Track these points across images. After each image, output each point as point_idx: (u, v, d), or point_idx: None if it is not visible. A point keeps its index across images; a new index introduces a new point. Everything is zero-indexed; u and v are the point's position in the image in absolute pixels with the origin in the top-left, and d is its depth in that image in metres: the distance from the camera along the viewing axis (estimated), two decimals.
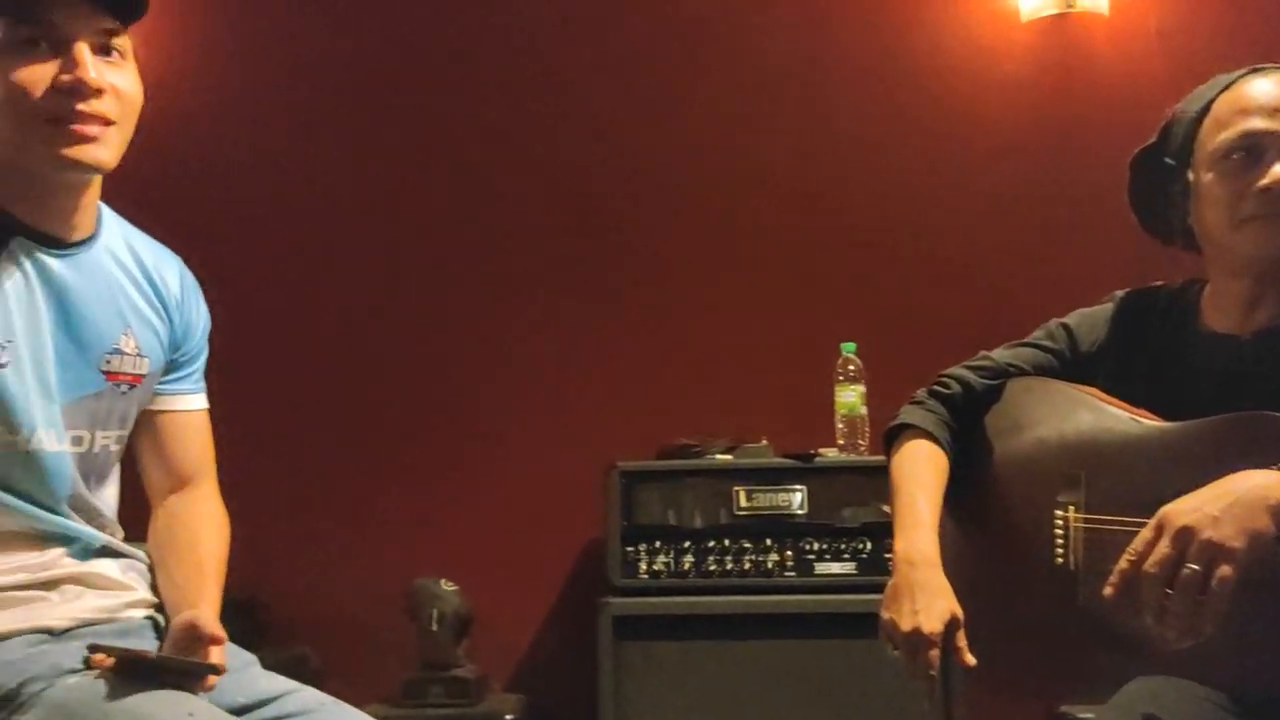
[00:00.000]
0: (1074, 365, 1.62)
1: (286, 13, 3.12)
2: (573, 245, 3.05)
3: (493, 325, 3.02)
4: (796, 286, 3.00)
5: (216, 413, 1.61)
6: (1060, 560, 1.48)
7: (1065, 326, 1.65)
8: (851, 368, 2.69)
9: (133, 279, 1.47)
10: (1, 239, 1.30)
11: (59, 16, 1.26)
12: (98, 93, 1.27)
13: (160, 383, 1.52)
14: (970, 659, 1.45)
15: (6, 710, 1.19)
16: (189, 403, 1.57)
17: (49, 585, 1.34)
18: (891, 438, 1.68)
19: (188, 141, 2.93)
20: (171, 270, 1.54)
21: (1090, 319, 1.64)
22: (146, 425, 1.52)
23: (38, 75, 1.25)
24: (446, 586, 2.66)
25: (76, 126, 1.27)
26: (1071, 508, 1.47)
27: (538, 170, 3.07)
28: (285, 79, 3.10)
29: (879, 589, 1.55)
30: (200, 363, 1.59)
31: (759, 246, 3.03)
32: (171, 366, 1.53)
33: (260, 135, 3.08)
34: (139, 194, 1.50)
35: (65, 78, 1.26)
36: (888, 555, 2.46)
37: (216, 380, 1.63)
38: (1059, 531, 1.48)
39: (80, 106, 1.26)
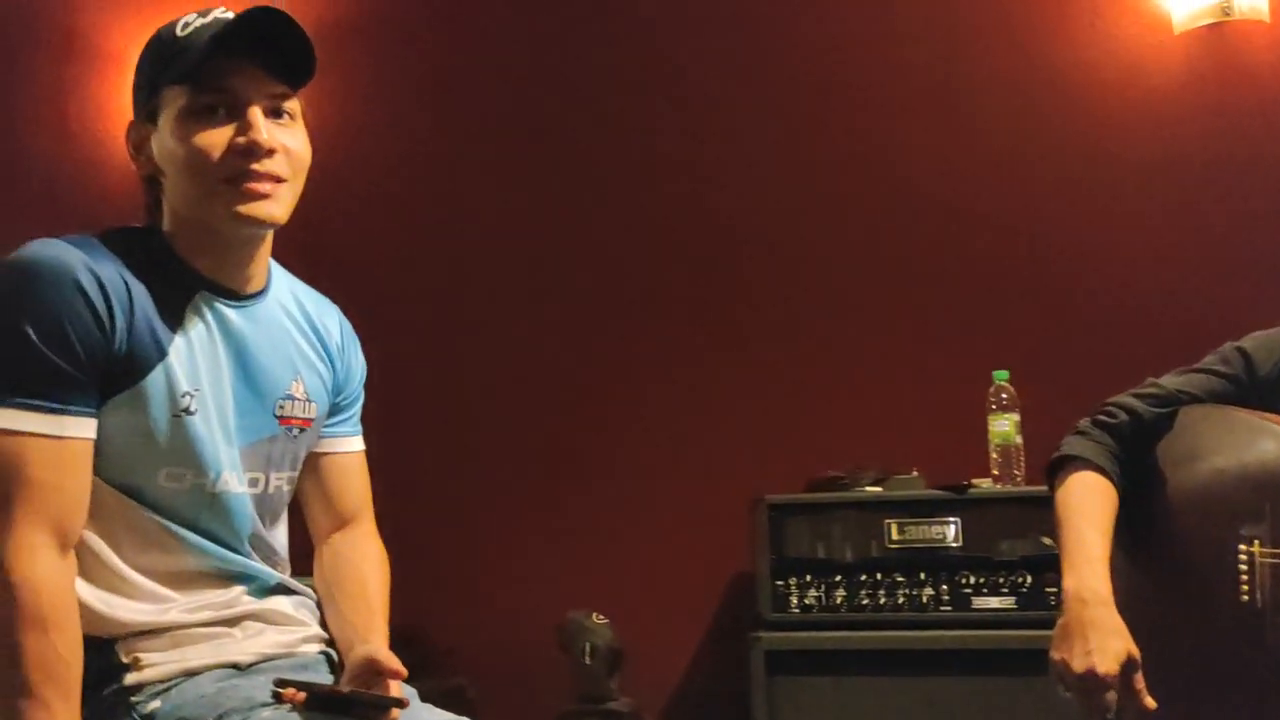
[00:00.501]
0: (1251, 391, 1.54)
1: (432, 72, 3.25)
2: (717, 278, 3.06)
3: (640, 360, 3.05)
4: (945, 313, 2.93)
5: (374, 453, 1.68)
6: (1245, 598, 1.40)
7: (1241, 350, 1.58)
8: (1004, 396, 2.61)
9: (300, 328, 1.54)
10: (188, 292, 1.38)
11: (235, 84, 1.34)
12: (270, 153, 1.35)
13: (323, 427, 1.59)
14: (1150, 702, 1.39)
15: None
16: (349, 444, 1.64)
17: (232, 622, 1.40)
18: (1055, 469, 1.62)
19: (341, 193, 3.06)
20: (332, 318, 1.62)
21: (1268, 342, 1.56)
22: (309, 467, 1.59)
23: (216, 139, 1.33)
24: (598, 620, 2.69)
25: (251, 185, 1.34)
26: (1256, 542, 1.40)
27: (681, 204, 3.09)
28: (432, 131, 3.22)
29: (1040, 624, 1.50)
30: (358, 406, 1.66)
31: (905, 273, 2.97)
32: (333, 410, 1.60)
33: (411, 184, 3.20)
34: (299, 242, 1.56)
35: (240, 140, 1.34)
36: (1050, 590, 2.39)
37: (373, 422, 1.70)
38: (1243, 567, 1.41)
39: (254, 166, 1.34)
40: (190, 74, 1.32)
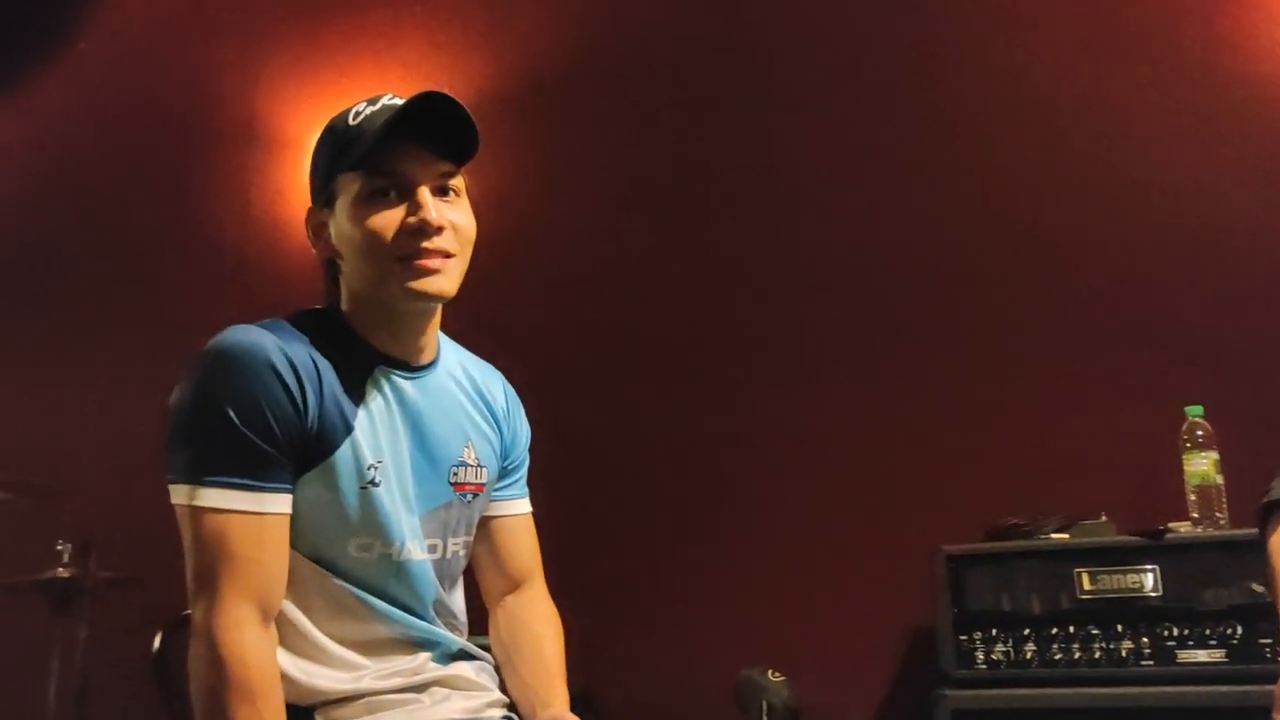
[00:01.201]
0: None
1: (585, 139, 3.31)
2: (890, 323, 2.98)
3: (811, 409, 2.99)
4: (1132, 347, 2.77)
5: (543, 515, 1.70)
6: None
7: None
8: (1200, 433, 2.45)
9: (468, 395, 1.58)
10: (367, 367, 1.44)
11: (405, 167, 1.40)
12: (439, 230, 1.40)
13: (492, 490, 1.61)
14: None
15: None
16: (517, 507, 1.67)
17: (420, 689, 1.43)
18: (1268, 513, 1.51)
19: (502, 259, 3.14)
20: (497, 384, 1.66)
21: None
22: (480, 530, 1.62)
23: (389, 220, 1.39)
24: (774, 677, 2.63)
25: (422, 262, 1.39)
26: None
27: (853, 249, 3.04)
28: (589, 195, 3.28)
29: (1254, 679, 1.38)
30: (525, 469, 1.70)
31: (1087, 309, 2.82)
32: (501, 474, 1.63)
33: (571, 248, 3.26)
34: (462, 309, 1.60)
35: (411, 220, 1.39)
36: (1264, 641, 2.21)
37: (541, 483, 1.71)
38: None
39: (425, 244, 1.39)
40: (363, 161, 1.39)
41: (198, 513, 1.29)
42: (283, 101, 3.65)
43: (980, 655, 2.40)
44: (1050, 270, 2.87)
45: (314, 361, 1.37)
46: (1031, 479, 2.73)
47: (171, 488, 1.31)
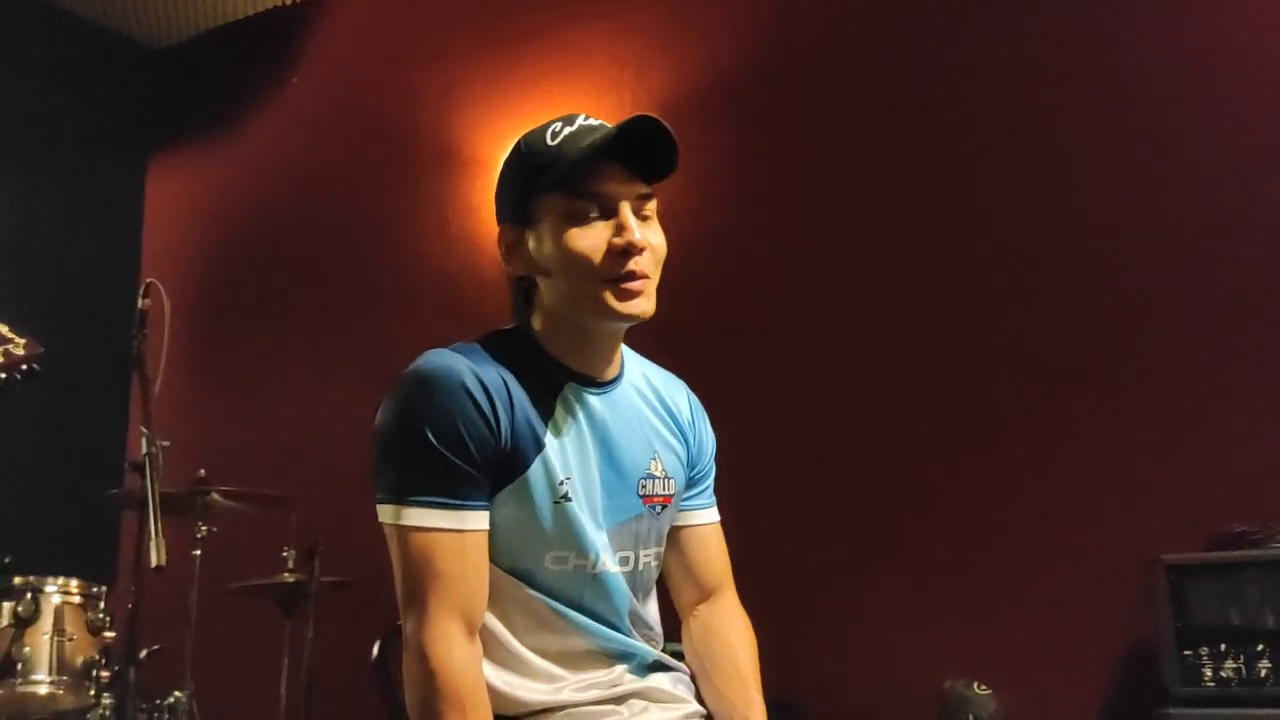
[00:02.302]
0: None
1: (770, 148, 3.29)
2: (1099, 325, 2.83)
3: (1019, 413, 2.87)
4: None
5: (733, 524, 1.69)
6: None
7: None
8: None
9: (652, 407, 1.59)
10: (557, 385, 1.47)
11: (609, 188, 1.42)
12: (641, 251, 1.42)
13: (680, 500, 1.62)
14: None
15: None
16: (705, 516, 1.67)
17: (619, 700, 1.46)
18: None
19: (683, 270, 3.16)
20: (681, 395, 1.66)
21: None
22: (670, 541, 1.63)
23: (595, 241, 1.41)
24: (980, 690, 2.54)
25: (627, 285, 1.41)
26: None
27: (1060, 254, 2.90)
28: (773, 206, 3.25)
29: None
30: (711, 479, 1.69)
31: None
32: (688, 484, 1.63)
33: (750, 258, 3.25)
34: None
35: (618, 241, 1.41)
36: None
37: (731, 492, 1.71)
38: None
39: (630, 266, 1.41)
40: (568, 181, 1.40)
41: (403, 532, 1.35)
42: (478, 124, 3.79)
43: (1207, 672, 2.25)
44: (1262, 270, 2.66)
45: (505, 382, 1.41)
46: (1258, 483, 2.54)
47: (379, 507, 1.38)
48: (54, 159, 4.00)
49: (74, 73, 4.10)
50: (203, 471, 2.93)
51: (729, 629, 1.62)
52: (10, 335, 1.45)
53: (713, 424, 1.70)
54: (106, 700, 2.61)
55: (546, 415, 1.44)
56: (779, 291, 3.21)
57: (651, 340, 1.66)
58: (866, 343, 3.08)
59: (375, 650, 1.55)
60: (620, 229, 1.40)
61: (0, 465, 3.46)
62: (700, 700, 1.57)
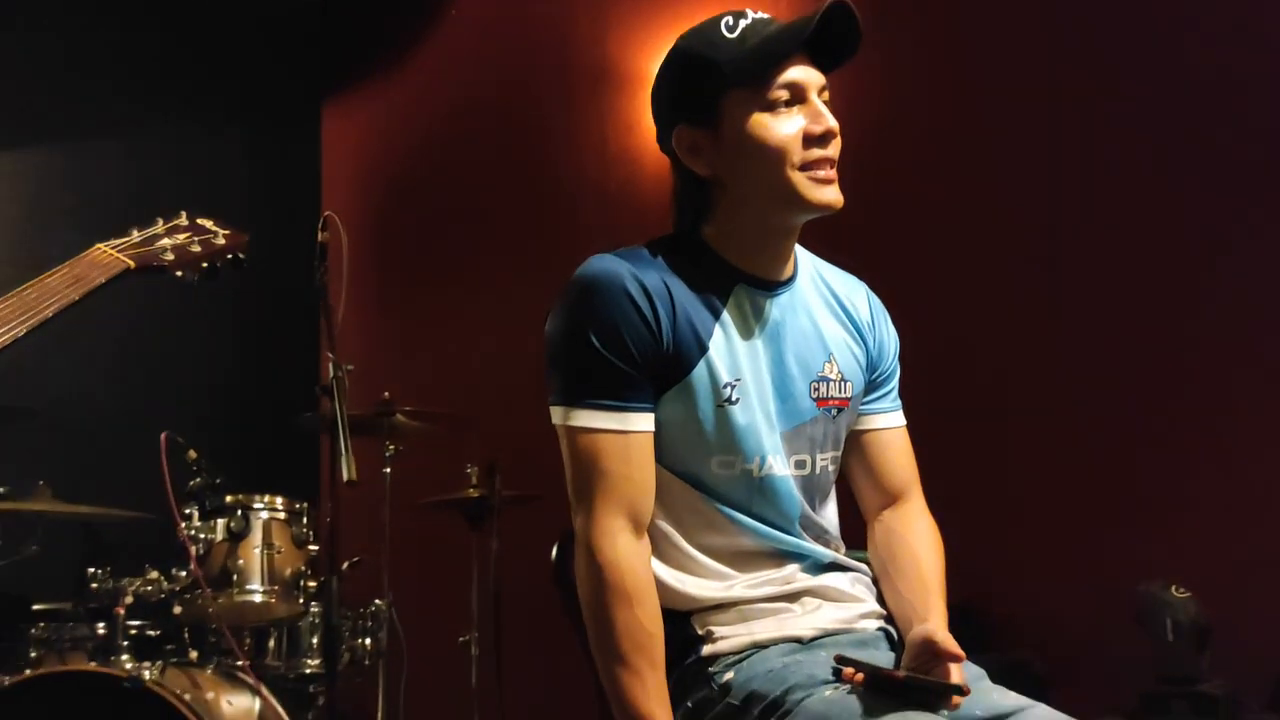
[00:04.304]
0: None
1: (951, 46, 3.13)
2: None
3: (1237, 304, 2.67)
4: None
5: (925, 427, 1.64)
6: None
7: None
8: None
9: (829, 308, 1.56)
10: (725, 287, 1.46)
11: (797, 76, 1.40)
12: (835, 137, 1.40)
13: (861, 404, 1.59)
14: None
15: (774, 715, 1.31)
16: (889, 420, 1.62)
17: (792, 597, 1.46)
18: None
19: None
20: (860, 295, 1.61)
21: None
22: (853, 445, 1.60)
23: (790, 130, 1.39)
24: (1178, 593, 2.43)
25: (823, 172, 1.40)
26: None
27: None
28: (951, 101, 3.10)
29: None
30: (895, 381, 1.64)
31: None
32: (869, 387, 1.59)
33: (924, 162, 3.12)
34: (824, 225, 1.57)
35: (815, 128, 1.39)
36: None
37: (919, 394, 1.66)
38: None
39: (824, 153, 1.40)
40: (758, 72, 1.39)
41: (572, 432, 1.39)
42: (632, 40, 3.76)
43: None
44: None
45: (666, 285, 1.41)
46: None
47: (551, 409, 1.41)
48: (238, 106, 4.19)
49: (252, 22, 4.27)
50: (387, 394, 3.06)
51: (913, 533, 1.58)
52: (213, 227, 1.54)
53: (901, 323, 1.65)
54: (315, 609, 2.79)
55: (713, 318, 1.43)
56: (949, 190, 3.07)
57: (826, 243, 1.62)
58: (1064, 219, 2.90)
59: (554, 553, 1.60)
60: (815, 115, 1.39)
61: (211, 395, 3.71)
62: (883, 604, 1.55)
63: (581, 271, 1.41)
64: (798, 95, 1.40)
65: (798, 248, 1.56)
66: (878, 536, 1.61)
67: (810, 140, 1.39)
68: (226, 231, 1.55)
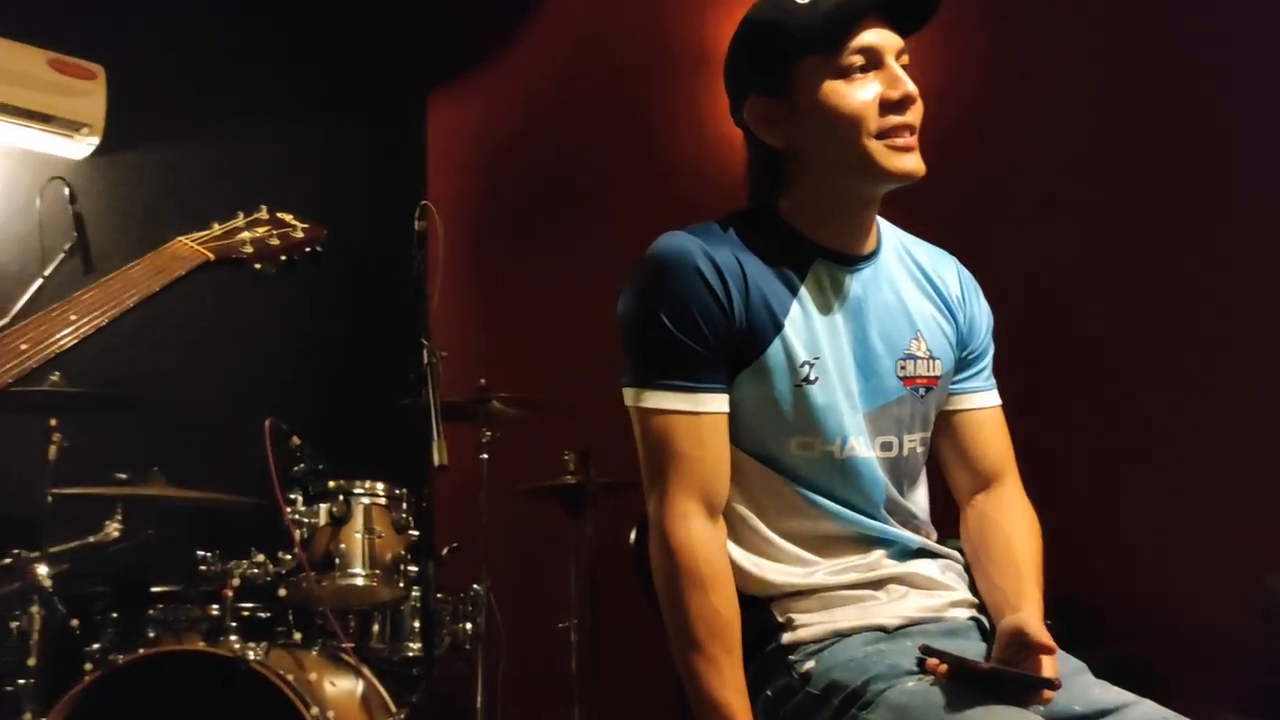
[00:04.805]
0: None
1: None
2: None
3: None
4: None
5: (1022, 405, 1.56)
6: None
7: None
8: None
9: (916, 283, 1.50)
10: (803, 262, 1.41)
11: (873, 40, 1.35)
12: (914, 102, 1.35)
13: (952, 382, 1.52)
14: None
15: (854, 706, 1.26)
16: (982, 400, 1.55)
17: (876, 585, 1.40)
18: None
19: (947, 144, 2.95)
20: (949, 269, 1.55)
21: None
22: (944, 426, 1.54)
23: (866, 96, 1.34)
24: None
25: (902, 139, 1.35)
26: None
27: None
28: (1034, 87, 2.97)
29: None
30: (988, 359, 1.57)
31: None
32: (961, 365, 1.53)
33: (1003, 132, 2.99)
34: (907, 198, 1.51)
35: (892, 94, 1.34)
36: None
37: (1014, 373, 1.58)
38: None
39: (903, 119, 1.35)
40: (831, 38, 1.34)
41: (644, 414, 1.36)
42: (729, 20, 3.67)
43: None
44: None
45: (739, 261, 1.37)
46: None
47: (624, 390, 1.39)
48: (348, 101, 4.28)
49: (361, 17, 4.36)
50: (483, 380, 3.09)
51: (1007, 518, 1.50)
52: (291, 221, 1.57)
53: (993, 303, 1.58)
54: (415, 592, 2.84)
55: (789, 295, 1.39)
56: (1039, 167, 2.94)
57: (911, 215, 1.56)
58: (1174, 180, 2.73)
59: (632, 536, 1.58)
60: (893, 81, 1.34)
61: (313, 382, 3.81)
62: (975, 592, 1.49)
63: (652, 249, 1.39)
64: (873, 60, 1.35)
65: (881, 221, 1.50)
66: (970, 521, 1.54)
67: (887, 107, 1.34)
68: (305, 225, 1.57)
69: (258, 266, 1.48)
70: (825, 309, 1.40)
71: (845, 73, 1.35)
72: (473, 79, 4.56)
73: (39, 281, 2.87)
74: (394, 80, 4.51)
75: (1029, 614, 1.35)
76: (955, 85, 2.96)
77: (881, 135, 1.34)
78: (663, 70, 3.88)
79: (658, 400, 1.35)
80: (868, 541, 1.42)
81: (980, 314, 1.56)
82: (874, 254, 1.46)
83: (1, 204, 3.39)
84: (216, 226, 1.50)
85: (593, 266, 3.90)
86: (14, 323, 2.74)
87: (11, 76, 3.33)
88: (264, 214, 1.56)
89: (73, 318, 1.22)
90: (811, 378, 1.37)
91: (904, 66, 1.38)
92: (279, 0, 4.10)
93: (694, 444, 1.33)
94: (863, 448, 1.41)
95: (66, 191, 2.91)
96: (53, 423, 2.75)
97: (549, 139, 4.20)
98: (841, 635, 1.35)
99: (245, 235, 1.49)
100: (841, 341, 1.41)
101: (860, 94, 1.34)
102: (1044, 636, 1.29)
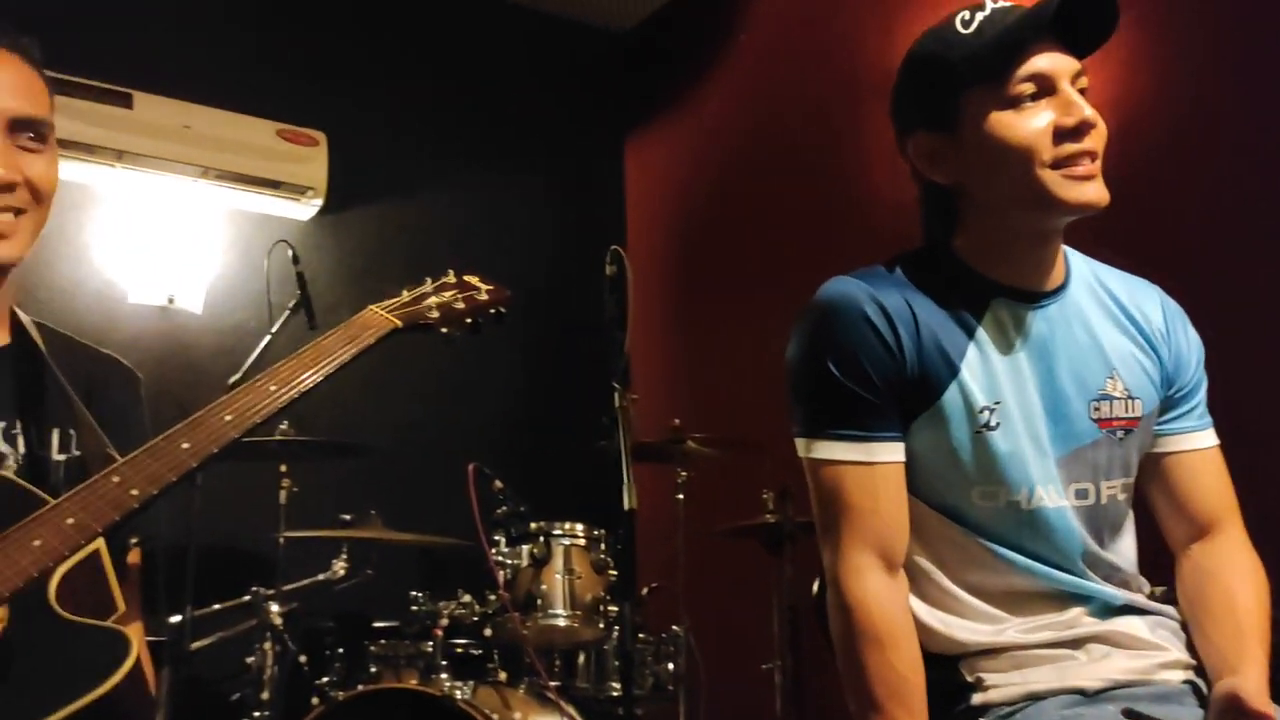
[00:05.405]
0: None
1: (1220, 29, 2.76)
2: None
3: None
4: None
5: (1242, 444, 1.43)
6: None
7: None
8: None
9: (1111, 317, 1.40)
10: (980, 303, 1.35)
11: (1045, 66, 1.29)
12: (1093, 128, 1.28)
13: (1158, 423, 1.41)
14: None
15: None
16: (1195, 440, 1.44)
17: (1075, 644, 1.31)
18: None
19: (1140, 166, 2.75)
20: (1150, 301, 1.44)
21: None
22: (1152, 470, 1.43)
23: (1039, 125, 1.27)
24: None
25: (1081, 168, 1.27)
26: None
27: None
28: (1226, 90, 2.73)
29: None
30: (1199, 396, 1.45)
31: None
32: (1168, 404, 1.42)
33: (1209, 148, 2.75)
34: (1100, 226, 1.42)
35: (1067, 121, 1.27)
36: None
37: (1229, 410, 1.45)
38: None
39: (1080, 146, 1.27)
40: (998, 66, 1.28)
41: (815, 465, 1.33)
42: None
43: None
44: None
45: (910, 305, 1.32)
46: None
47: (795, 441, 1.36)
48: (546, 150, 4.44)
49: (552, 67, 4.52)
50: (677, 421, 3.10)
51: (1228, 570, 1.38)
52: (477, 284, 1.62)
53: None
54: (616, 632, 2.86)
55: (966, 338, 1.33)
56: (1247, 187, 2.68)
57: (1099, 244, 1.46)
58: None
59: (815, 586, 1.53)
60: (1068, 106, 1.26)
61: (513, 427, 3.93)
62: (1192, 651, 1.37)
63: (817, 296, 1.36)
64: (1045, 87, 1.28)
65: (1070, 252, 1.42)
66: (1185, 574, 1.42)
67: (1062, 134, 1.26)
68: (490, 287, 1.62)
69: (444, 331, 1.54)
70: (1006, 350, 1.33)
71: (1014, 103, 1.28)
72: (668, 120, 4.63)
73: (267, 338, 3.11)
74: (591, 126, 4.64)
75: (1250, 676, 1.23)
76: (1158, 96, 2.76)
77: (1056, 165, 1.27)
78: (855, 101, 3.81)
79: (828, 451, 1.31)
80: (1063, 598, 1.33)
81: (1188, 348, 1.44)
82: (1060, 289, 1.38)
83: (237, 264, 3.69)
84: (405, 293, 1.56)
85: (788, 303, 3.86)
86: (247, 376, 2.99)
87: (246, 148, 3.63)
88: (450, 278, 1.62)
89: (272, 388, 1.31)
90: (992, 424, 1.30)
91: (1083, 90, 1.29)
92: (478, 58, 4.30)
93: (868, 495, 1.29)
94: (1053, 497, 1.32)
95: (289, 253, 3.15)
96: (283, 468, 2.95)
97: (742, 174, 4.20)
98: (1036, 698, 1.27)
99: (432, 300, 1.55)
100: (1026, 384, 1.33)
101: (1031, 123, 1.27)
102: (1262, 701, 1.17)
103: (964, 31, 1.31)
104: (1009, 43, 1.27)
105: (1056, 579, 1.32)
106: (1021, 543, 1.32)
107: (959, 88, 1.31)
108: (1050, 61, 1.28)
